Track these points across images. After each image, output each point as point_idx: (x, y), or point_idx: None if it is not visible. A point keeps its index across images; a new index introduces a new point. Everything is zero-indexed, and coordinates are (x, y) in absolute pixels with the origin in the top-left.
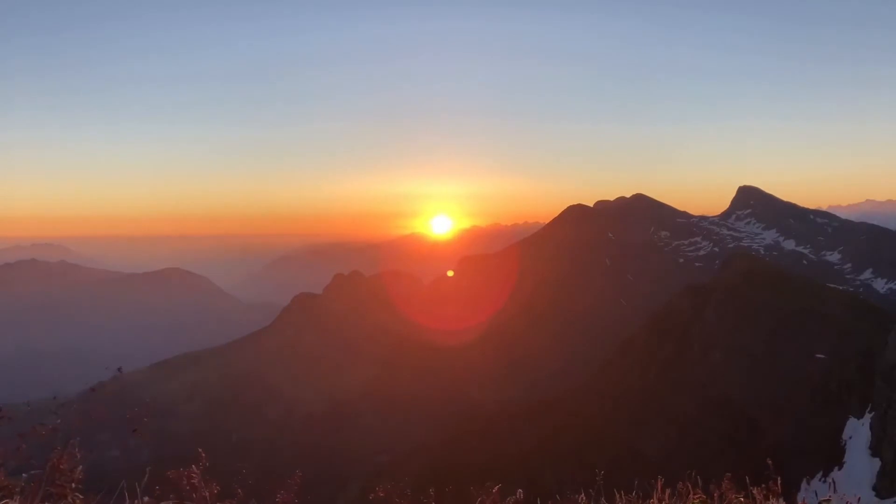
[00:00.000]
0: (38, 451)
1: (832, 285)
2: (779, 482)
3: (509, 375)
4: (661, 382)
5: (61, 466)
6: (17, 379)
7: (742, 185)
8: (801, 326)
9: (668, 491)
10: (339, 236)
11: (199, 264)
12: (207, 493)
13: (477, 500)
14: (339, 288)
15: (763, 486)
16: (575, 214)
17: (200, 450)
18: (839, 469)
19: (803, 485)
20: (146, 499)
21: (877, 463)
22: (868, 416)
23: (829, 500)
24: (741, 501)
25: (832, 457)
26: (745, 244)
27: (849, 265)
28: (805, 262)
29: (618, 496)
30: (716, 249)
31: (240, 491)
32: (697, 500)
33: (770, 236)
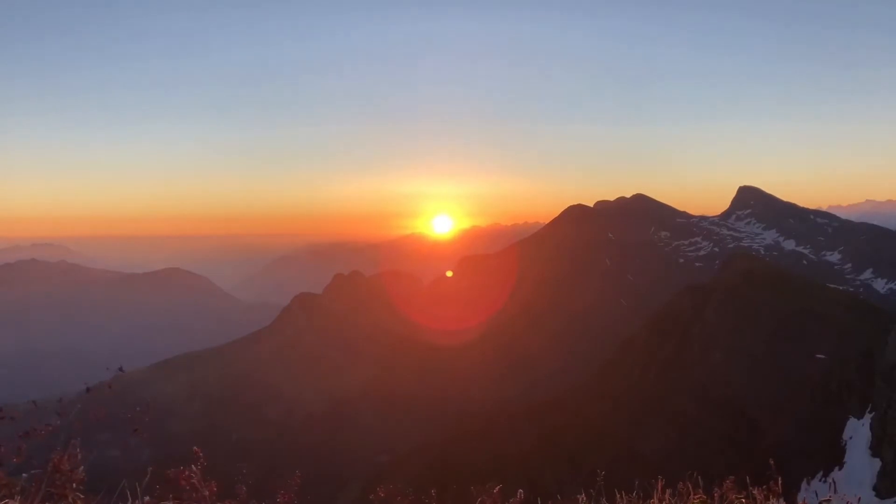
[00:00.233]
0: (39, 451)
1: (832, 285)
2: (779, 482)
3: (509, 375)
4: (661, 382)
5: (62, 467)
6: (17, 379)
7: (742, 185)
8: (801, 327)
9: (668, 491)
10: (339, 236)
11: (199, 264)
12: (207, 493)
13: (478, 500)
14: (339, 288)
15: (764, 486)
16: (575, 214)
17: (196, 449)
18: (839, 469)
19: (803, 485)
20: (146, 498)
21: (877, 463)
22: (868, 417)
23: (829, 501)
24: (742, 502)
25: (832, 457)
26: (745, 244)
27: (849, 265)
28: (805, 262)
29: (618, 496)
30: (716, 249)
31: (244, 489)
32: (698, 501)
33: (770, 236)
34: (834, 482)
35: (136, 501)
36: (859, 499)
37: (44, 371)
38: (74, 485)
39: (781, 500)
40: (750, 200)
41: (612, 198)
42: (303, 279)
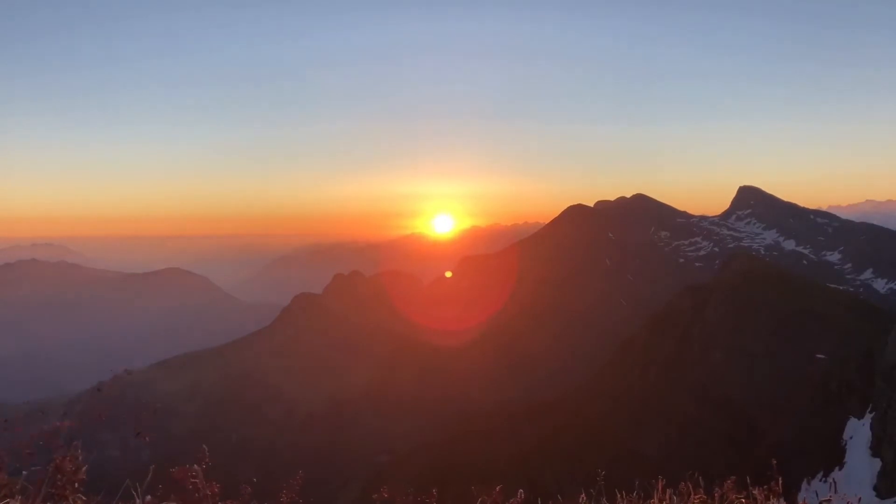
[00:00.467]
0: (39, 451)
1: (832, 285)
2: (779, 482)
3: (509, 375)
4: (661, 382)
5: (65, 468)
6: (17, 379)
7: (742, 185)
8: (801, 326)
9: (668, 491)
10: (339, 236)
11: (199, 264)
12: (209, 492)
13: (478, 500)
14: (339, 288)
15: (764, 486)
16: (575, 214)
17: (204, 447)
18: (839, 469)
19: (804, 485)
20: (147, 498)
21: (877, 463)
22: (868, 417)
23: (829, 501)
24: (742, 502)
25: (832, 457)
26: (746, 244)
27: (849, 265)
28: (805, 262)
29: (618, 496)
30: (716, 249)
31: (249, 489)
32: (698, 501)
33: (770, 236)
34: (834, 482)
35: (137, 501)
36: (859, 499)
37: (44, 371)
38: (76, 485)
39: (781, 500)
40: (750, 200)
41: (612, 198)
42: (303, 279)
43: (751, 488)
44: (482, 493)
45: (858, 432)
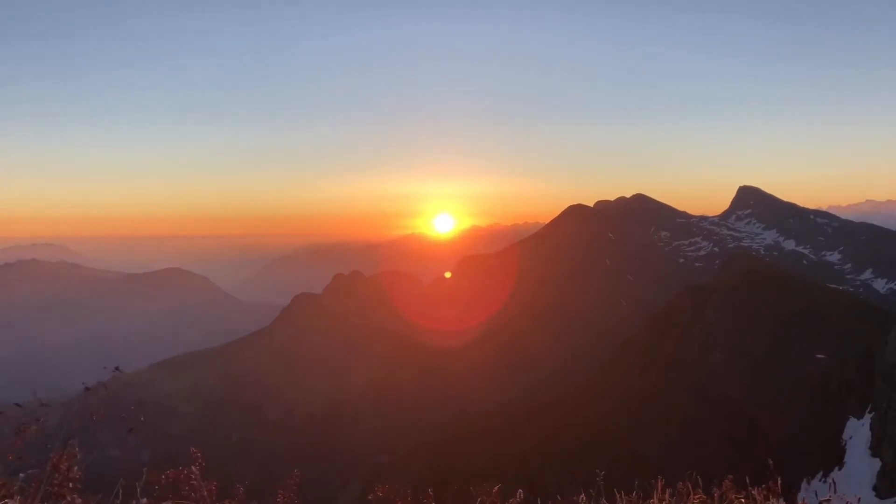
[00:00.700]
0: (37, 451)
1: (832, 286)
2: (779, 482)
3: (509, 375)
4: (661, 382)
5: (61, 467)
6: (17, 379)
7: (742, 185)
8: (801, 327)
9: (668, 491)
10: (339, 236)
11: (199, 264)
12: (206, 492)
13: (477, 500)
14: (339, 288)
15: (764, 486)
16: (575, 214)
17: (193, 448)
18: (839, 469)
19: (803, 485)
20: (144, 500)
21: (877, 463)
22: (868, 417)
23: (829, 501)
24: (742, 502)
25: (832, 457)
26: (746, 244)
27: (849, 265)
28: (805, 262)
29: (618, 496)
30: (716, 249)
31: (241, 488)
32: (698, 501)
33: (770, 236)
34: (834, 482)
35: (135, 502)
36: (859, 499)
37: (44, 371)
38: (72, 484)
39: (781, 500)
40: (750, 200)
41: (612, 198)
42: (303, 279)
43: (750, 488)
44: (481, 492)
45: (858, 432)
